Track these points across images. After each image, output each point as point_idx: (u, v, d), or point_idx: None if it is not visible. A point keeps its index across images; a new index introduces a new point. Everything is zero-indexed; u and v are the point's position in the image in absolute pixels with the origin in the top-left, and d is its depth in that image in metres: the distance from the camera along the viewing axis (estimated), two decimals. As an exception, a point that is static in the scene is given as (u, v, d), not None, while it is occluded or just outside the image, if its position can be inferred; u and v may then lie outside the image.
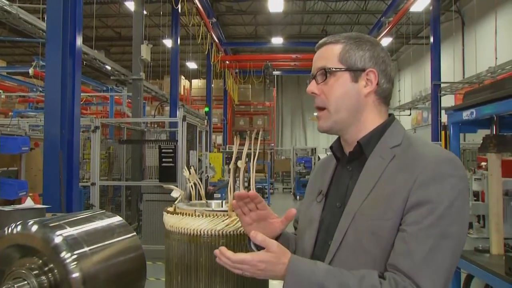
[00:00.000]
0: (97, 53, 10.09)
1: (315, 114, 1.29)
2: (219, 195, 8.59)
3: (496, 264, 2.78)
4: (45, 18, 4.82)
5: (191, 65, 18.32)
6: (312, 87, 1.27)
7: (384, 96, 1.26)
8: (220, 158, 12.00)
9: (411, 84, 18.39)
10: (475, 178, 3.94)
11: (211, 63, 14.74)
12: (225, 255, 1.10)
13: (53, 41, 4.48)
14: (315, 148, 18.65)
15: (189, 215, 1.29)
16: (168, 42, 13.35)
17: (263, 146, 14.95)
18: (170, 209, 1.37)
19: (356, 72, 1.23)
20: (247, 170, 1.33)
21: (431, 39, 11.47)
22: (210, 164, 9.59)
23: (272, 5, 13.36)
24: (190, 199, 1.53)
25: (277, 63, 17.58)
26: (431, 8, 11.59)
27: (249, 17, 18.85)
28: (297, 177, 16.06)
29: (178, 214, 1.31)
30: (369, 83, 1.23)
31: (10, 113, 12.06)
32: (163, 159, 6.84)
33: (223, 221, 1.26)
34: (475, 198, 4.00)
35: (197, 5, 11.31)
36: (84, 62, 8.91)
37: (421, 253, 1.03)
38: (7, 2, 5.95)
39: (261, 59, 16.95)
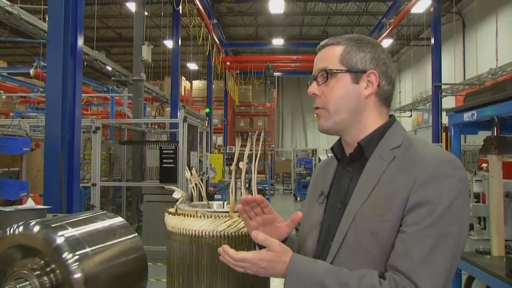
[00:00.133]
0: (98, 54, 10.09)
1: (315, 113, 1.29)
2: (219, 196, 8.59)
3: (497, 266, 2.78)
4: (46, 19, 4.83)
5: (192, 66, 18.34)
6: (313, 88, 1.27)
7: (385, 97, 1.27)
8: (221, 159, 12.01)
9: (412, 86, 18.40)
10: (476, 180, 3.93)
11: (212, 64, 14.75)
12: (227, 253, 1.11)
13: (54, 41, 4.48)
14: (315, 149, 18.66)
15: (190, 216, 1.29)
16: (169, 43, 13.37)
17: (264, 147, 14.95)
18: (172, 210, 1.37)
19: (357, 73, 1.23)
20: (247, 171, 1.33)
21: (432, 41, 11.47)
22: (210, 165, 9.59)
23: (272, 6, 13.39)
24: (191, 200, 1.54)
25: (277, 64, 17.59)
26: (432, 9, 11.60)
27: (249, 18, 18.86)
28: (297, 178, 16.06)
29: (179, 215, 1.31)
30: (370, 84, 1.23)
31: (11, 114, 12.07)
32: (164, 160, 6.84)
33: (224, 222, 1.26)
34: (476, 200, 3.99)
35: (198, 6, 11.32)
36: (85, 63, 8.92)
37: (420, 253, 1.04)
38: (8, 3, 5.96)
39: (262, 60, 16.96)
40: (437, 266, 1.04)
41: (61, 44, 4.44)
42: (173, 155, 6.82)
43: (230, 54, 19.33)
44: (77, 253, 1.10)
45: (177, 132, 7.20)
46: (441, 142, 8.75)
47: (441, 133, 10.01)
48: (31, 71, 8.35)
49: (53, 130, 4.42)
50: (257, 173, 1.34)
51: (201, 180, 1.65)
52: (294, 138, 26.59)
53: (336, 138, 1.34)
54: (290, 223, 1.21)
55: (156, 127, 10.22)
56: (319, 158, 14.73)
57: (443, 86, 11.66)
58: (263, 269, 1.09)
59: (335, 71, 1.23)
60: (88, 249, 1.14)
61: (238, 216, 1.27)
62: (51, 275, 1.09)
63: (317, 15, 18.22)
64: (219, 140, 19.15)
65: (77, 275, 1.08)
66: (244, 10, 17.53)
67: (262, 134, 1.55)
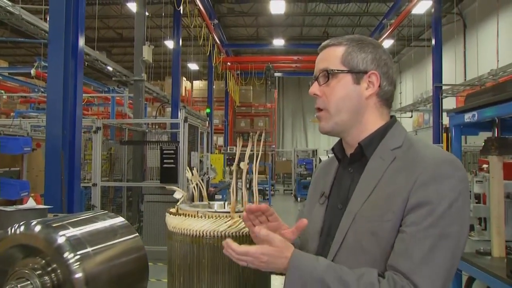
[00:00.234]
0: (99, 54, 10.11)
1: (316, 115, 1.29)
2: (220, 196, 8.59)
3: (497, 267, 2.78)
4: (48, 19, 4.83)
5: (193, 66, 18.34)
6: (314, 88, 1.27)
7: (386, 98, 1.27)
8: (221, 160, 12.02)
9: (413, 86, 18.41)
10: (476, 181, 3.93)
11: (213, 64, 14.75)
12: (230, 247, 1.12)
13: (55, 42, 4.49)
14: (316, 150, 18.67)
15: (191, 216, 1.29)
16: (169, 43, 13.38)
17: (264, 147, 14.95)
18: (173, 210, 1.37)
19: (358, 74, 1.23)
20: (248, 172, 1.33)
21: (433, 41, 11.47)
22: (211, 165, 9.59)
23: (273, 7, 13.39)
24: (192, 200, 1.54)
25: (278, 65, 17.60)
26: (432, 10, 11.60)
27: (250, 19, 18.87)
28: (298, 179, 16.07)
29: (180, 215, 1.31)
30: (371, 85, 1.24)
31: (12, 114, 12.08)
32: (165, 160, 6.85)
33: (225, 222, 1.26)
34: (476, 201, 3.99)
35: (199, 6, 11.33)
36: (86, 63, 8.92)
37: (419, 254, 1.04)
38: (9, 3, 5.97)
39: (263, 61, 16.98)
40: (436, 266, 1.04)
41: (62, 44, 4.44)
42: (174, 155, 6.82)
43: (231, 54, 19.34)
44: (78, 252, 1.10)
45: (177, 133, 7.20)
46: (442, 143, 8.74)
47: (441, 134, 10.01)
48: (32, 71, 8.35)
49: (54, 130, 4.43)
50: (258, 174, 1.34)
51: (202, 180, 1.65)
52: (295, 139, 26.59)
53: (337, 139, 1.35)
54: (295, 230, 1.20)
55: (156, 127, 10.22)
56: (320, 159, 14.72)
57: (443, 87, 11.65)
58: (265, 263, 1.10)
59: (336, 71, 1.24)
60: (89, 249, 1.14)
61: (239, 216, 1.27)
62: (52, 274, 1.09)
63: (318, 15, 18.22)
64: (220, 140, 19.16)
65: (78, 275, 1.08)
66: (245, 10, 17.54)
67: (263, 134, 1.56)
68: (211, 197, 7.22)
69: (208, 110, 15.89)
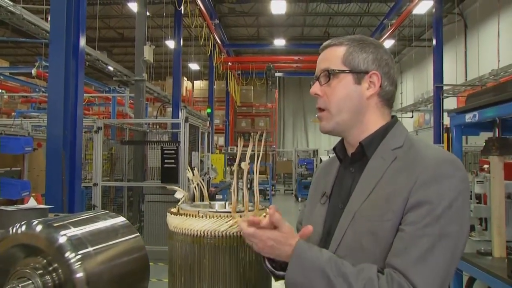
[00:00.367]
0: (100, 54, 10.11)
1: (317, 115, 1.29)
2: (220, 196, 8.60)
3: (498, 267, 2.78)
4: (49, 19, 4.84)
5: (194, 66, 18.35)
6: (315, 88, 1.28)
7: (387, 98, 1.27)
8: (222, 160, 12.03)
9: (413, 87, 18.39)
10: (477, 181, 3.93)
11: (214, 64, 14.75)
12: (240, 225, 1.15)
13: (56, 41, 4.49)
14: (317, 150, 18.66)
15: (192, 216, 1.29)
16: (170, 43, 13.38)
17: (265, 147, 14.96)
18: (174, 210, 1.37)
19: (359, 74, 1.23)
20: (249, 172, 1.33)
21: (434, 42, 11.46)
22: (212, 165, 9.60)
23: (274, 7, 13.40)
24: (193, 200, 1.54)
25: (279, 65, 17.59)
26: (433, 10, 11.59)
27: (251, 19, 18.87)
28: (298, 179, 16.07)
29: (181, 215, 1.31)
30: (372, 85, 1.24)
31: (13, 113, 12.10)
32: (165, 160, 6.85)
33: (226, 222, 1.26)
34: (477, 201, 3.99)
35: (199, 6, 11.33)
36: (87, 63, 8.93)
37: (417, 252, 1.04)
38: (11, 3, 5.98)
39: (263, 61, 16.97)
40: (434, 265, 1.04)
41: (63, 44, 4.45)
42: (175, 155, 6.83)
43: (232, 54, 19.34)
44: (79, 252, 1.10)
45: (178, 132, 7.21)
46: (443, 143, 8.75)
47: (442, 134, 10.01)
48: (33, 71, 8.38)
49: (55, 130, 4.43)
50: (259, 174, 1.34)
51: (203, 180, 1.65)
52: (296, 139, 26.60)
53: (338, 139, 1.35)
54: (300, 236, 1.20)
55: (157, 127, 10.23)
56: (321, 159, 14.72)
57: (444, 87, 11.65)
58: (269, 248, 1.11)
59: (337, 71, 1.24)
60: (90, 249, 1.14)
61: (240, 216, 1.27)
62: (54, 274, 1.09)
63: (319, 15, 18.23)
64: (221, 140, 19.17)
65: (80, 275, 1.08)
66: (246, 10, 17.55)
67: (264, 134, 1.56)
68: (212, 197, 7.22)
69: (209, 110, 15.90)
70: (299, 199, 15.31)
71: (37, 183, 5.55)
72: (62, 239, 1.10)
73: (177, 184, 6.60)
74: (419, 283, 1.02)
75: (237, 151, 1.37)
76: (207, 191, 1.54)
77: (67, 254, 1.09)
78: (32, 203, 2.88)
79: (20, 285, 1.07)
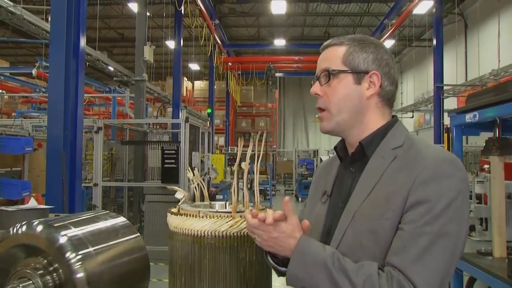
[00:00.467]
0: (100, 54, 10.11)
1: (317, 115, 1.29)
2: (221, 197, 8.60)
3: (498, 267, 2.77)
4: (49, 19, 4.84)
5: (194, 66, 18.35)
6: (316, 88, 1.28)
7: (387, 98, 1.27)
8: (222, 160, 12.02)
9: (414, 87, 18.40)
10: (477, 181, 3.93)
11: (214, 64, 14.75)
12: (246, 217, 1.16)
13: (56, 42, 4.50)
14: (317, 150, 18.66)
15: (193, 216, 1.29)
16: (171, 44, 13.38)
17: (266, 148, 14.96)
18: (174, 210, 1.38)
19: (359, 74, 1.23)
20: (249, 172, 1.33)
21: (434, 42, 11.45)
22: (212, 165, 9.60)
23: (274, 7, 13.39)
24: (193, 200, 1.54)
25: (279, 65, 17.59)
26: (433, 10, 11.58)
27: (251, 19, 18.87)
28: (299, 179, 16.06)
29: (182, 215, 1.32)
30: (372, 85, 1.24)
31: (13, 114, 12.10)
32: (166, 160, 6.85)
33: (227, 222, 1.26)
34: (477, 201, 3.99)
35: (200, 6, 11.32)
36: (87, 63, 8.94)
37: (416, 250, 1.04)
38: (11, 3, 5.98)
39: (264, 61, 16.96)
40: (433, 263, 1.04)
41: (64, 45, 4.45)
42: (175, 156, 6.83)
43: (232, 54, 19.34)
44: (80, 252, 1.11)
45: (179, 133, 7.21)
46: (443, 143, 8.74)
47: (443, 134, 10.00)
48: (34, 71, 8.38)
49: (55, 130, 4.43)
50: (259, 174, 1.34)
51: (203, 180, 1.65)
52: (296, 139, 26.59)
53: (339, 139, 1.35)
54: None
55: (158, 127, 10.23)
56: (321, 159, 14.73)
57: (445, 87, 11.64)
58: (274, 239, 1.12)
59: (337, 71, 1.24)
60: (90, 249, 1.15)
61: (240, 216, 1.28)
62: (54, 274, 1.09)
63: (319, 16, 18.23)
64: (221, 140, 19.16)
65: (80, 275, 1.08)
66: (246, 11, 17.55)
67: (264, 134, 1.56)
68: (212, 197, 7.21)
69: (209, 110, 15.89)
70: (300, 199, 15.31)
71: (38, 183, 5.55)
72: (62, 239, 1.11)
73: (177, 184, 6.59)
74: (418, 282, 1.02)
75: (237, 151, 1.37)
76: (208, 191, 1.54)
77: (67, 254, 1.09)
78: (32, 203, 2.88)
79: (20, 285, 1.07)
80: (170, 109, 12.59)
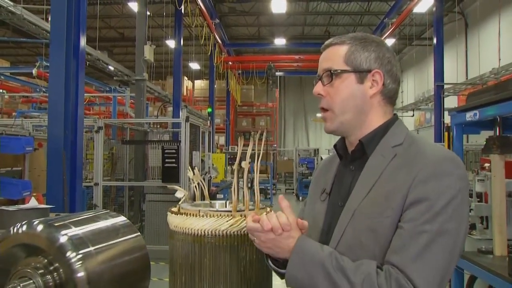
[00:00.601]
0: (100, 54, 10.12)
1: (318, 115, 1.30)
2: (221, 196, 8.60)
3: (499, 266, 2.78)
4: (49, 19, 4.84)
5: (194, 66, 18.35)
6: (318, 88, 1.27)
7: (390, 96, 1.27)
8: (223, 159, 12.02)
9: (414, 85, 18.39)
10: (478, 179, 3.93)
11: (214, 64, 14.75)
12: (246, 220, 1.17)
13: (56, 41, 4.50)
14: (317, 149, 18.67)
15: (193, 215, 1.29)
16: (171, 43, 13.38)
17: (266, 147, 14.96)
18: (175, 209, 1.37)
19: (361, 73, 1.23)
20: (250, 171, 1.33)
21: (434, 40, 11.44)
22: (212, 164, 9.60)
23: (275, 6, 13.38)
24: (194, 199, 1.54)
25: (279, 64, 17.59)
26: (434, 9, 11.57)
27: (252, 18, 18.87)
28: (299, 178, 16.07)
29: (182, 214, 1.32)
30: (375, 84, 1.23)
31: (13, 113, 12.11)
32: (166, 160, 6.85)
33: (227, 221, 1.26)
34: (478, 200, 3.99)
35: (200, 6, 11.32)
36: (87, 63, 8.94)
37: (415, 249, 1.04)
38: (11, 3, 5.99)
39: (264, 60, 16.97)
40: (432, 261, 1.04)
41: (64, 44, 4.45)
42: (175, 155, 6.83)
43: (232, 54, 19.33)
44: (80, 252, 1.10)
45: (179, 132, 7.21)
46: (443, 142, 8.73)
47: (443, 133, 9.98)
48: (34, 71, 8.39)
49: (55, 130, 4.44)
50: (259, 173, 1.34)
51: (203, 179, 1.65)
52: (296, 138, 26.60)
53: (339, 138, 1.35)
54: None
55: (158, 126, 10.23)
56: (321, 158, 14.73)
57: (445, 86, 11.63)
58: (272, 241, 1.12)
59: (339, 71, 1.23)
60: (91, 248, 1.14)
61: (241, 215, 1.27)
62: (55, 274, 1.09)
63: (320, 14, 18.22)
64: (221, 139, 19.17)
65: (81, 274, 1.08)
66: (246, 10, 17.54)
67: (265, 133, 1.56)
68: (212, 196, 7.21)
69: (209, 110, 15.89)
70: (300, 198, 15.32)
71: (38, 183, 5.55)
72: (63, 239, 1.11)
73: (178, 184, 6.60)
74: (417, 280, 1.02)
75: (237, 150, 1.37)
76: (208, 190, 1.54)
77: (68, 254, 1.09)
78: (33, 203, 2.88)
79: (21, 285, 1.07)
80: (170, 109, 12.60)
